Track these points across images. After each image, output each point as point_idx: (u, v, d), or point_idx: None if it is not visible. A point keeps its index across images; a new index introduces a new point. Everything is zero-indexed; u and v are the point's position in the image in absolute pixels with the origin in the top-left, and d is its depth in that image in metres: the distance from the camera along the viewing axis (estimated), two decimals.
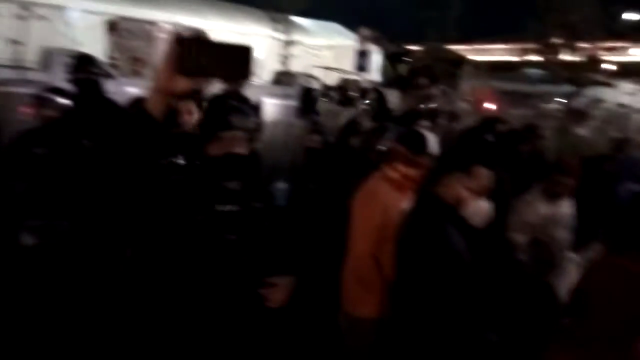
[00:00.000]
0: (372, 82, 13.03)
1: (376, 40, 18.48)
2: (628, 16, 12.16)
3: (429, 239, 1.92)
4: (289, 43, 14.48)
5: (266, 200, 1.87)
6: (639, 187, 3.81)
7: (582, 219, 3.04)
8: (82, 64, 3.52)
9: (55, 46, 9.99)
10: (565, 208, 3.00)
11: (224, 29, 16.31)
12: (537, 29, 7.99)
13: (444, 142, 4.34)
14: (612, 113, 12.92)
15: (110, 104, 3.46)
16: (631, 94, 16.49)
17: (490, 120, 4.35)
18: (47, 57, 10.03)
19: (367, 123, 4.93)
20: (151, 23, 13.85)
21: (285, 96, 9.00)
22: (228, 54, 1.10)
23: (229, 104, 2.89)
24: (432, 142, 2.20)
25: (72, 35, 12.60)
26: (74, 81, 3.41)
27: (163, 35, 13.77)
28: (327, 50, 19.16)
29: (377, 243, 2.25)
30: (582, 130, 8.18)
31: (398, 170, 2.25)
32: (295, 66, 15.38)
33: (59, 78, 9.02)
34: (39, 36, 9.74)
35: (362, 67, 10.15)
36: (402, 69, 12.82)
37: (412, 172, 2.22)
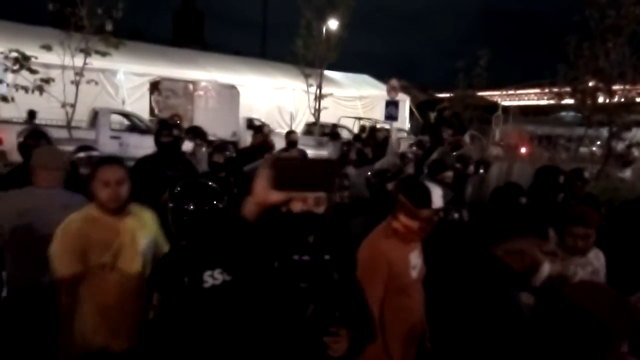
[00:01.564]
0: (401, 130, 13.21)
1: (405, 90, 18.91)
2: None
3: (494, 310, 1.82)
4: (320, 95, 14.95)
5: (335, 251, 1.94)
6: None
7: (623, 268, 2.86)
8: (164, 128, 3.96)
9: (103, 106, 10.75)
10: (587, 263, 2.71)
11: (259, 84, 17.13)
12: (568, 74, 7.94)
13: (474, 191, 4.31)
14: None
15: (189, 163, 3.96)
16: None
17: (548, 170, 4.19)
18: (95, 117, 10.80)
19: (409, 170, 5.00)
20: (190, 82, 14.70)
21: (316, 146, 9.22)
22: (316, 168, 1.32)
23: None
24: (437, 195, 2.18)
25: (119, 95, 13.57)
26: (157, 143, 3.83)
27: (202, 93, 14.55)
28: (357, 101, 19.66)
29: (383, 297, 2.24)
30: (622, 173, 7.90)
31: (401, 222, 2.24)
32: (327, 117, 15.79)
33: (105, 135, 9.66)
34: (89, 97, 10.52)
35: (391, 116, 10.29)
36: (432, 117, 12.94)
37: (413, 224, 2.21)
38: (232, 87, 15.06)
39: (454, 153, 8.33)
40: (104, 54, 9.05)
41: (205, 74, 15.67)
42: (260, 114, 14.97)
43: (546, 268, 2.06)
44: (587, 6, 6.88)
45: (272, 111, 16.73)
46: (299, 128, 15.65)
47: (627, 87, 7.50)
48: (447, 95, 17.99)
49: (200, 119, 13.73)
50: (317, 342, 1.76)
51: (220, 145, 4.00)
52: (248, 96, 15.87)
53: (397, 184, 3.45)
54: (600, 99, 7.71)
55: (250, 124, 11.51)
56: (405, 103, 19.20)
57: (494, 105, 19.18)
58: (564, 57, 7.78)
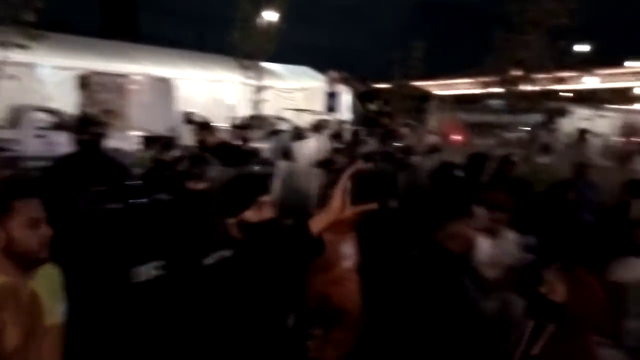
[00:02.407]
0: (342, 121, 13.41)
1: (345, 81, 19.16)
2: (579, 48, 13.16)
3: (446, 295, 1.89)
4: (260, 88, 14.79)
5: None
6: (595, 215, 3.95)
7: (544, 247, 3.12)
8: (85, 125, 3.73)
9: (24, 104, 9.98)
10: (504, 245, 2.94)
11: (196, 77, 16.61)
12: (495, 64, 8.41)
13: (407, 180, 4.49)
14: (571, 139, 13.60)
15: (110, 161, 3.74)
16: (587, 119, 17.36)
17: (477, 156, 4.45)
18: (15, 115, 10.00)
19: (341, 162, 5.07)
20: (122, 75, 13.99)
21: (257, 139, 9.15)
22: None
23: None
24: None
25: (43, 91, 12.64)
26: (76, 142, 3.60)
27: (134, 87, 13.91)
28: (297, 93, 19.67)
29: (321, 285, 2.29)
30: (545, 158, 8.54)
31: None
32: (268, 110, 15.67)
33: (28, 134, 8.98)
34: (8, 95, 9.73)
35: (331, 108, 10.43)
36: (371, 107, 13.23)
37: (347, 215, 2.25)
38: (167, 81, 14.52)
39: (395, 144, 8.62)
40: (23, 47, 8.39)
41: (138, 67, 14.97)
42: (198, 108, 14.57)
43: (483, 244, 2.20)
44: (506, 2, 7.35)
45: (210, 105, 16.34)
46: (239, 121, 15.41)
47: (547, 75, 8.08)
48: (385, 86, 18.43)
49: (134, 115, 13.13)
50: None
51: (167, 143, 3.89)
52: (185, 90, 15.38)
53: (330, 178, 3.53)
54: (523, 88, 8.24)
55: (188, 118, 11.20)
56: (345, 94, 19.49)
57: (428, 95, 19.95)
58: (491, 48, 8.24)
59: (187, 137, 7.49)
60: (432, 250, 1.99)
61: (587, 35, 13.19)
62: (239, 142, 6.38)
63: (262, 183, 1.95)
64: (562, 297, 2.65)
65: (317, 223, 1.39)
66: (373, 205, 1.37)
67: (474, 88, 17.65)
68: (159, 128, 10.06)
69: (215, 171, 3.98)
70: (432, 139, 12.64)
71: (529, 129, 9.93)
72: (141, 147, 7.40)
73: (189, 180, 3.08)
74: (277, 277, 1.55)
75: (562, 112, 14.07)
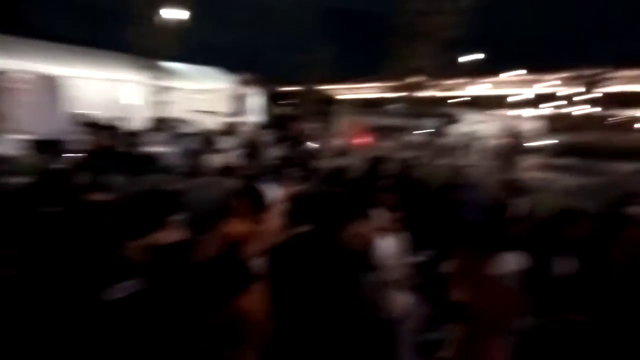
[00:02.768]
0: (251, 124, 13.30)
1: (255, 83, 19.00)
2: (467, 58, 14.52)
3: (348, 294, 1.92)
4: (163, 89, 14.10)
5: None
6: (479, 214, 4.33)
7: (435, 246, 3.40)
8: None
9: None
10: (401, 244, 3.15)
11: (90, 76, 15.32)
12: (394, 70, 8.94)
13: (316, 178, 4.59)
14: (464, 141, 14.92)
15: None
16: (479, 122, 19.19)
17: (376, 159, 4.66)
18: None
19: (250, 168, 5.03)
20: (1, 73, 12.48)
21: (159, 143, 8.70)
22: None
23: None
24: (276, 197, 2.20)
25: None
26: None
27: (15, 85, 12.47)
28: (206, 95, 19.06)
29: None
30: (444, 160, 9.24)
31: (239, 226, 2.18)
32: (172, 112, 15.00)
33: None
34: None
35: (241, 110, 10.28)
36: (282, 110, 13.28)
37: (253, 227, 2.16)
38: (54, 79, 13.22)
39: (301, 148, 8.77)
40: None
41: (19, 63, 13.43)
42: (93, 109, 13.47)
43: (381, 243, 2.32)
44: (402, 13, 7.88)
45: (107, 106, 15.18)
46: (140, 124, 14.54)
47: (441, 82, 8.80)
48: (294, 88, 18.64)
49: (15, 116, 11.78)
50: None
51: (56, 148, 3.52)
52: (77, 89, 14.11)
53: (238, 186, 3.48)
54: (420, 94, 8.87)
55: (81, 120, 10.33)
56: (256, 97, 19.29)
57: (333, 98, 20.54)
58: (391, 56, 8.76)
59: (80, 141, 6.92)
60: (335, 251, 2.03)
61: (472, 47, 14.61)
62: (138, 147, 6.05)
63: (172, 201, 1.81)
64: (463, 297, 2.91)
65: (252, 249, 1.35)
66: (307, 228, 1.36)
67: (378, 92, 18.57)
68: (46, 131, 9.14)
69: (116, 181, 3.66)
70: (339, 142, 13.07)
71: (428, 132, 10.71)
72: (25, 152, 6.68)
73: (84, 191, 2.78)
74: (198, 307, 1.42)
75: (455, 118, 15.40)
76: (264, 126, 12.72)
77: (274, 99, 16.65)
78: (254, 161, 5.68)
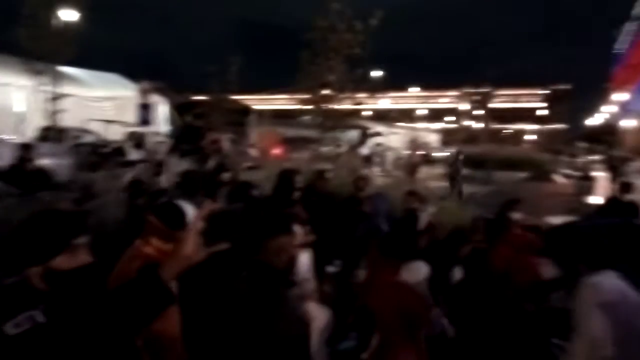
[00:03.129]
0: (158, 134, 12.68)
1: (160, 92, 18.17)
2: (376, 73, 15.34)
3: (273, 313, 1.85)
4: (57, 95, 12.90)
5: None
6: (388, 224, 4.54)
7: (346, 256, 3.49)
8: None
9: None
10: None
11: None
12: (305, 83, 9.09)
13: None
14: (374, 152, 15.66)
15: None
16: (386, 135, 20.28)
17: (287, 172, 4.63)
18: None
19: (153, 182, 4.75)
20: None
21: (53, 154, 7.92)
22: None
23: None
24: (191, 214, 2.09)
25: None
26: None
27: None
28: (106, 102, 17.80)
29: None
30: (366, 170, 9.52)
31: (153, 246, 2.07)
32: (70, 120, 13.76)
33: None
34: None
35: (146, 120, 9.75)
36: (190, 120, 12.83)
37: (169, 248, 1.95)
38: None
39: (211, 161, 8.52)
40: None
41: None
42: None
43: (302, 258, 2.32)
44: (313, 29, 8.11)
45: None
46: (31, 132, 13.14)
47: (350, 95, 9.12)
48: (203, 98, 18.15)
49: None
50: None
51: None
52: None
53: (148, 202, 3.30)
54: (329, 106, 9.12)
55: None
56: (162, 106, 18.42)
57: (247, 109, 20.39)
58: (302, 68, 8.91)
59: None
60: (257, 268, 1.98)
61: (378, 64, 15.46)
62: (30, 161, 5.46)
63: (77, 222, 1.65)
64: (374, 305, 2.99)
65: (170, 271, 1.25)
66: (225, 246, 1.30)
67: (289, 104, 18.78)
68: None
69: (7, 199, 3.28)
70: (252, 152, 12.98)
71: (340, 143, 11.04)
72: None
73: None
74: (109, 335, 1.28)
75: (372, 131, 16.10)
76: (172, 137, 12.18)
77: (181, 108, 16.06)
78: (161, 175, 5.40)
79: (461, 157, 15.10)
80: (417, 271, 3.17)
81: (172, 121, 18.88)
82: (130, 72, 19.06)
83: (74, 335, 1.24)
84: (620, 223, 4.23)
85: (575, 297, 2.47)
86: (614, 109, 66.66)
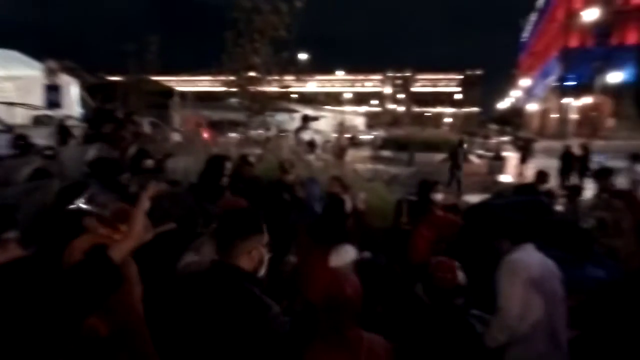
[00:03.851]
0: (69, 117, 11.65)
1: (70, 72, 16.67)
2: (302, 56, 15.25)
3: (257, 317, 1.73)
4: None
5: None
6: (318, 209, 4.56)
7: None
8: None
9: None
10: None
11: None
12: (231, 65, 8.77)
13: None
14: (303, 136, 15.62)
15: None
16: (315, 118, 20.30)
17: (216, 159, 4.43)
18: None
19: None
20: None
21: None
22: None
23: None
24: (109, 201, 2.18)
25: None
26: None
27: None
28: (7, 83, 15.99)
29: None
30: (278, 155, 9.42)
31: (103, 232, 2.16)
32: None
33: None
34: None
35: (54, 102, 8.89)
36: (105, 102, 11.95)
37: (116, 235, 2.10)
38: None
39: (134, 146, 8.00)
40: None
41: None
42: None
43: (266, 257, 2.22)
44: (236, 9, 7.82)
45: None
46: None
47: (276, 78, 8.96)
48: (120, 79, 16.97)
49: None
50: None
51: None
52: None
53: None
54: (255, 89, 8.93)
55: None
56: (73, 87, 16.92)
57: (170, 91, 19.43)
58: (227, 50, 8.58)
59: None
60: (223, 269, 1.86)
61: (304, 47, 15.39)
62: None
63: (6, 216, 1.61)
64: (308, 290, 3.01)
65: (119, 251, 1.26)
66: (172, 226, 1.28)
67: (215, 86, 18.14)
68: None
69: None
70: (176, 137, 12.37)
71: (270, 127, 10.88)
72: None
73: None
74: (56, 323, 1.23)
75: (311, 115, 15.98)
76: (87, 119, 11.25)
77: (97, 89, 14.91)
78: (74, 162, 4.97)
79: (465, 145, 15.59)
80: (345, 255, 3.23)
81: (84, 104, 17.46)
82: (35, 50, 17.25)
83: (17, 327, 1.19)
84: (529, 200, 4.61)
85: (497, 272, 2.67)
86: (519, 93, 72.69)
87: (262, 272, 1.94)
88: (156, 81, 21.46)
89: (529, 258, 2.68)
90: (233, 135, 12.36)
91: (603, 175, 5.78)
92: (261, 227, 1.98)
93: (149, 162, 5.37)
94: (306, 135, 9.51)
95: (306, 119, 10.18)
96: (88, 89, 17.22)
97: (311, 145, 9.25)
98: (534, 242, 2.81)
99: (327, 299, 2.15)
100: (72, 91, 17.18)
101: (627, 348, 2.45)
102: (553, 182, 11.52)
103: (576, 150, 14.57)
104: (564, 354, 2.57)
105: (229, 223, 1.94)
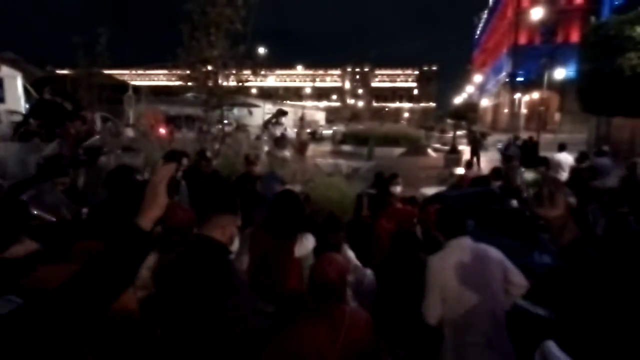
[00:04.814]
0: (12, 112, 11.02)
1: (13, 64, 15.73)
2: (261, 50, 15.06)
3: (224, 281, 1.96)
4: None
5: None
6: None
7: None
8: None
9: None
10: None
11: None
12: (185, 59, 8.51)
13: (88, 179, 4.09)
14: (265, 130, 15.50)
15: None
16: (272, 113, 20.15)
17: (174, 154, 4.33)
18: None
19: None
20: None
21: None
22: None
23: None
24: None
25: None
26: None
27: None
28: None
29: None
30: (282, 152, 9.23)
31: None
32: None
33: None
34: None
35: None
36: (52, 96, 11.37)
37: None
38: None
39: (84, 144, 7.67)
40: None
41: None
42: None
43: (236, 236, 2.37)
44: (189, 1, 7.61)
45: None
46: None
47: (233, 72, 8.76)
48: (70, 72, 16.16)
49: None
50: None
51: None
52: None
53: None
54: (212, 84, 8.71)
55: None
56: (18, 80, 15.97)
57: (124, 85, 18.72)
58: (182, 43, 8.32)
59: None
60: (199, 241, 2.10)
61: (261, 41, 15.20)
62: None
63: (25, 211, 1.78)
64: (273, 283, 3.05)
65: (148, 220, 1.33)
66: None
67: (171, 80, 17.63)
68: None
69: None
70: (129, 132, 11.94)
71: (230, 122, 10.68)
72: None
73: None
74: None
75: (283, 110, 15.73)
76: (32, 114, 10.64)
77: (40, 83, 14.14)
78: (15, 160, 4.71)
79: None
80: (307, 242, 3.26)
81: (27, 98, 16.53)
82: None
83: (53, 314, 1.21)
84: (482, 191, 4.79)
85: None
86: (472, 89, 75.19)
87: (232, 247, 2.19)
88: (108, 75, 20.59)
89: (446, 259, 2.79)
90: (190, 130, 12.07)
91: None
92: (235, 209, 2.21)
93: (103, 160, 5.18)
94: (277, 131, 9.43)
95: (279, 114, 10.07)
96: (34, 83, 16.31)
97: (282, 140, 9.17)
98: (481, 231, 2.92)
99: (312, 282, 2.29)
100: (17, 85, 16.22)
101: (575, 330, 2.60)
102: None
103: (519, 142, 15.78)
104: (502, 330, 2.71)
105: (207, 198, 2.24)
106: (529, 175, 7.97)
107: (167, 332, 2.08)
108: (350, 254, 3.55)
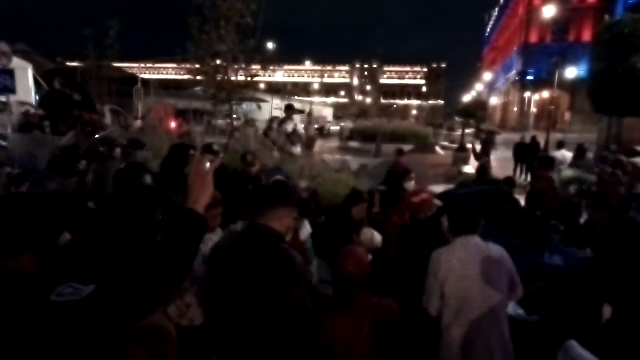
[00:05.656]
0: (23, 103, 11.08)
1: (26, 56, 15.81)
2: (270, 45, 15.03)
3: (285, 265, 1.98)
4: None
5: None
6: None
7: None
8: None
9: None
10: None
11: None
12: (196, 53, 8.48)
13: (97, 178, 4.07)
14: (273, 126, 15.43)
15: None
16: (280, 108, 20.13)
17: (180, 147, 4.34)
18: None
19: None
20: None
21: None
22: None
23: None
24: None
25: None
26: None
27: None
28: None
29: None
30: (295, 149, 9.20)
31: None
32: None
33: None
34: None
35: (7, 88, 8.41)
36: (63, 88, 11.43)
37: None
38: None
39: (97, 136, 7.70)
40: None
41: None
42: None
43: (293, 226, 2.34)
44: None
45: None
46: None
47: (243, 67, 8.73)
48: (80, 64, 16.24)
49: None
50: None
51: None
52: None
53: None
54: (221, 78, 8.69)
55: None
56: (27, 72, 16.07)
57: (133, 78, 18.79)
58: (191, 37, 8.30)
59: None
60: (258, 229, 2.12)
61: (271, 36, 15.16)
62: None
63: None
64: None
65: (200, 206, 1.44)
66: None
67: (180, 74, 17.65)
68: None
69: None
70: (137, 124, 11.98)
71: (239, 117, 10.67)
72: None
73: None
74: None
75: (259, 101, 15.68)
76: (43, 106, 10.69)
77: (50, 75, 14.21)
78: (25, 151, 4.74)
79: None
80: (304, 229, 3.38)
81: (38, 90, 16.63)
82: None
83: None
84: (492, 189, 4.75)
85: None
86: (482, 87, 74.66)
87: (288, 237, 2.22)
88: (118, 68, 20.66)
89: (450, 255, 2.80)
90: (198, 124, 12.11)
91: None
92: (292, 201, 2.26)
93: (118, 152, 5.20)
94: (289, 127, 9.39)
95: (289, 109, 10.01)
96: (45, 75, 16.40)
97: (295, 136, 9.11)
98: (491, 230, 2.91)
99: (334, 274, 2.37)
100: (28, 76, 16.32)
101: (584, 331, 2.57)
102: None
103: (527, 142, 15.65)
104: (502, 328, 2.73)
105: (263, 192, 2.36)
106: (568, 173, 7.97)
107: (217, 315, 2.11)
108: (373, 232, 3.69)
